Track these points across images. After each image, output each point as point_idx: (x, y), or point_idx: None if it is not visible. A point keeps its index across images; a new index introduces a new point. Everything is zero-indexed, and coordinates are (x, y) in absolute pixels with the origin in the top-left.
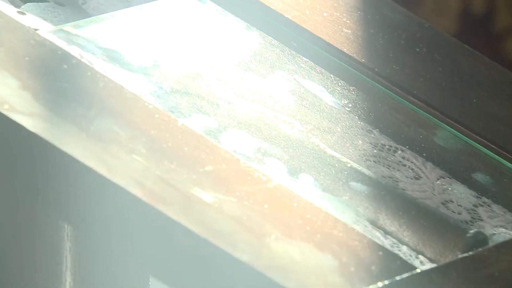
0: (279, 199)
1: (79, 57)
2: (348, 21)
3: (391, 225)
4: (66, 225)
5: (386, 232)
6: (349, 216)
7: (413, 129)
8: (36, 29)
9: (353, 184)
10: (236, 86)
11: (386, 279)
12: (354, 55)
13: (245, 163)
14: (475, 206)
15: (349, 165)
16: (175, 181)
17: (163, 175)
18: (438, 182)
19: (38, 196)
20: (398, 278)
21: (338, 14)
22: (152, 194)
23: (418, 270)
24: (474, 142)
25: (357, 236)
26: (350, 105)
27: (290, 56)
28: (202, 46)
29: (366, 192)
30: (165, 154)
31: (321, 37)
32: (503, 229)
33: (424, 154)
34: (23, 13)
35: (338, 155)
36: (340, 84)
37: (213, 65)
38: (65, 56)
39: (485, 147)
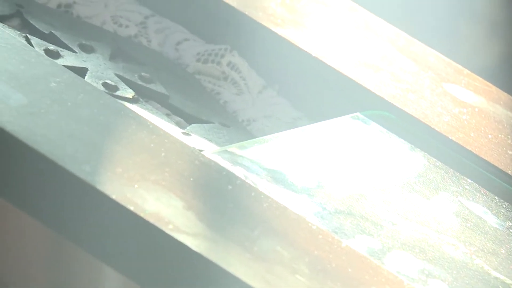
0: None
1: (243, 178)
2: None
3: None
4: None
5: None
6: None
7: None
8: (201, 150)
9: None
10: (400, 207)
11: None
12: None
13: (409, 284)
14: None
15: None
16: None
17: None
18: None
19: None
20: None
21: (502, 136)
22: None
23: None
24: None
25: None
26: None
27: (454, 177)
28: (366, 167)
29: None
30: (328, 274)
31: (486, 159)
32: None
33: None
34: (188, 134)
35: (502, 277)
36: (504, 206)
37: (377, 186)
38: (230, 177)
39: None
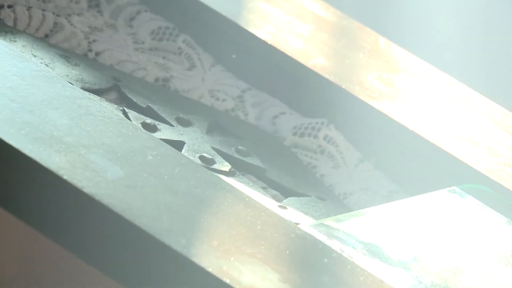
0: None
1: (339, 251)
2: None
3: None
4: None
5: None
6: None
7: None
8: (297, 223)
9: None
10: (496, 281)
11: None
12: None
13: None
14: None
15: None
16: None
17: None
18: None
19: None
20: None
21: None
22: None
23: None
24: None
25: None
26: None
27: None
28: (462, 240)
29: None
30: None
31: None
32: None
33: None
34: (284, 208)
35: None
36: None
37: (474, 260)
38: (326, 250)
39: None
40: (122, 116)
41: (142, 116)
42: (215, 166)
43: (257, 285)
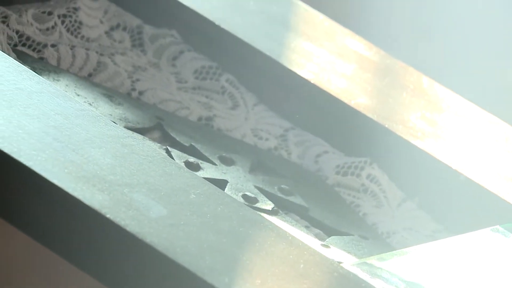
0: None
1: None
2: None
3: None
4: None
5: None
6: None
7: None
8: (340, 262)
9: None
10: None
11: None
12: None
13: None
14: None
15: None
16: None
17: None
18: None
19: None
20: None
21: None
22: None
23: None
24: None
25: None
26: None
27: None
28: (505, 279)
29: None
30: None
31: None
32: None
33: None
34: (327, 246)
35: None
36: None
37: None
38: None
39: None
40: (165, 155)
41: (185, 155)
42: (258, 205)
43: None
